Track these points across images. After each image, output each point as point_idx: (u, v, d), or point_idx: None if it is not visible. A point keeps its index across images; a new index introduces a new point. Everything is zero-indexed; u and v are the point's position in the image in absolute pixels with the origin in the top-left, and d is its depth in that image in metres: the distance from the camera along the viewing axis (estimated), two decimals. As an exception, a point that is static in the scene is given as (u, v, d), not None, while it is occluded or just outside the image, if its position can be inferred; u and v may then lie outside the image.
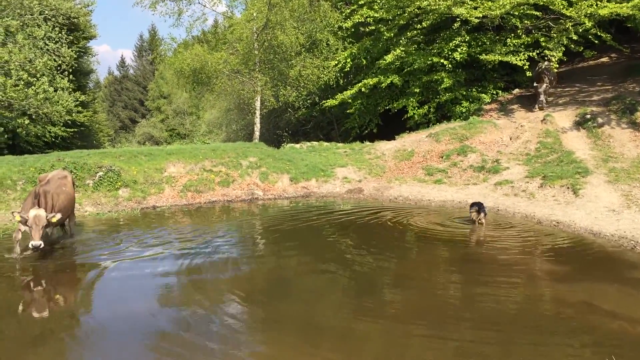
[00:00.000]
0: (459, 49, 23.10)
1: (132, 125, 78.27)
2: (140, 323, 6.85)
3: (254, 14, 25.40)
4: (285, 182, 19.17)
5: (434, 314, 7.11)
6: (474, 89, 24.55)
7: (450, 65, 23.27)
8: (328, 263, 9.83)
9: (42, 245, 9.12)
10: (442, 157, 19.81)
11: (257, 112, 26.91)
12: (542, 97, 21.94)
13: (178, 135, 66.83)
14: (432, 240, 11.58)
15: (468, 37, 23.27)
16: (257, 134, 26.96)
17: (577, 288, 8.25)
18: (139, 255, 10.27)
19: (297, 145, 24.12)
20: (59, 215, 9.73)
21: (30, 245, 9.06)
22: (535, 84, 22.39)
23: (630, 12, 19.32)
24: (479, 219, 12.71)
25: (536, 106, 22.01)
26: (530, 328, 6.61)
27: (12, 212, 9.63)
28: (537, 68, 22.50)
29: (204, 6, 32.02)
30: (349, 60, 26.94)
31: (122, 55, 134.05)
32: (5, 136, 22.58)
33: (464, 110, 23.90)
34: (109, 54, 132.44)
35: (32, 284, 8.59)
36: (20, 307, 7.47)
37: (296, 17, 25.52)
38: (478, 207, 12.77)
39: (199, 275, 9.03)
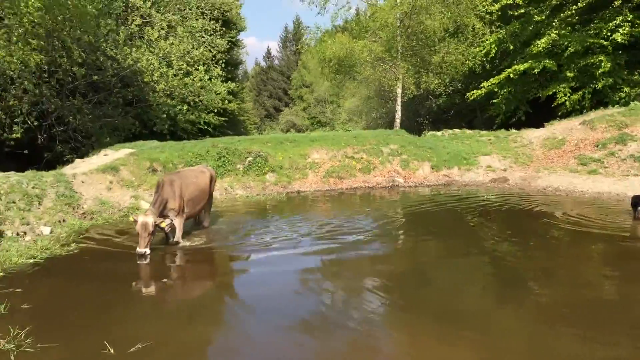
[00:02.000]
0: (620, 30, 21.21)
1: (276, 114, 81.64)
2: (281, 303, 7.11)
3: (398, 0, 25.23)
4: (427, 170, 18.96)
5: (584, 312, 6.60)
6: (636, 73, 22.43)
7: (609, 47, 21.46)
8: (469, 252, 9.57)
9: (148, 253, 8.79)
10: (597, 146, 18.40)
11: (399, 100, 26.81)
12: None
13: (319, 123, 68.51)
14: (585, 234, 10.78)
15: (631, 16, 21.28)
16: (397, 121, 26.88)
17: None
18: (282, 239, 10.73)
19: (439, 133, 23.71)
20: (168, 221, 9.33)
21: (136, 252, 8.78)
22: None
23: None
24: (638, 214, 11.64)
25: None
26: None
27: (129, 213, 9.81)
28: None
29: (349, -6, 32.50)
30: (494, 46, 25.88)
31: (267, 47, 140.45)
32: (168, 123, 24.63)
33: (623, 96, 21.97)
34: (256, 45, 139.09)
35: (175, 270, 9.25)
36: (169, 290, 8.04)
37: (442, 1, 24.93)
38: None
39: (339, 260, 9.19)
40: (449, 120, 34.39)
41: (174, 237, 9.87)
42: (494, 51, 25.75)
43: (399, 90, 26.50)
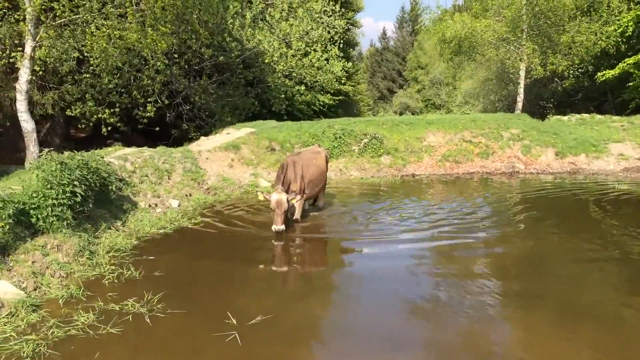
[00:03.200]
0: None
1: (390, 96, 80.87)
2: (392, 285, 7.06)
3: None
4: (550, 157, 17.95)
5: None
6: None
7: None
8: (593, 244, 8.90)
9: (284, 229, 9.07)
10: None
11: (522, 82, 25.49)
12: None
13: (433, 106, 67.06)
14: None
15: None
16: (519, 104, 25.60)
17: None
18: (396, 224, 10.64)
19: (565, 118, 22.32)
20: (298, 197, 9.60)
21: (273, 228, 9.05)
22: None
23: None
24: None
25: None
26: None
27: (257, 192, 10.11)
28: None
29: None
30: (632, 23, 23.80)
31: (383, 28, 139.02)
32: (285, 103, 25.19)
33: None
34: (371, 26, 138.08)
35: (289, 250, 9.44)
36: (288, 267, 8.24)
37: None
38: None
39: (455, 246, 8.94)
40: (575, 104, 32.23)
41: (293, 216, 10.11)
42: (631, 29, 23.67)
43: (522, 73, 25.17)
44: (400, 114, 60.73)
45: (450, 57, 29.75)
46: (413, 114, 58.08)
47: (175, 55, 19.33)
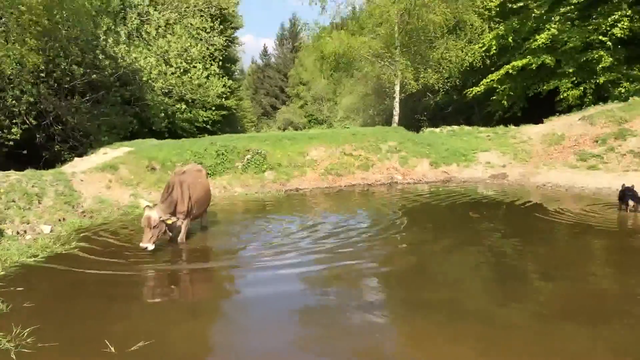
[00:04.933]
0: (619, 24, 21.21)
1: (273, 112, 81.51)
2: (281, 300, 7.06)
3: (397, -4, 25.21)
4: (425, 167, 18.93)
5: (587, 308, 6.58)
6: (635, 68, 22.43)
7: (609, 43, 21.44)
8: (470, 248, 9.51)
9: (150, 249, 8.72)
10: (596, 142, 18.36)
11: (397, 97, 26.77)
12: None
13: (316, 121, 68.45)
14: (585, 229, 10.78)
15: (630, 11, 21.27)
16: (396, 118, 26.84)
17: None
18: (282, 241, 10.68)
19: (437, 130, 23.66)
20: (174, 219, 9.26)
21: (140, 246, 8.74)
22: None
23: None
24: (632, 207, 11.79)
25: None
26: None
27: (143, 203, 9.44)
28: None
29: (349, -9, 32.36)
30: (494, 41, 25.84)
31: (264, 45, 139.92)
32: (166, 121, 24.57)
33: (623, 91, 21.95)
34: (252, 43, 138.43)
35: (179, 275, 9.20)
36: (168, 289, 8.00)
37: (441, -3, 24.91)
38: (631, 193, 11.89)
39: (339, 258, 9.10)
40: (447, 116, 34.35)
41: (178, 237, 9.82)
42: (493, 47, 25.73)
43: (397, 87, 26.45)
44: (284, 129, 61.29)
45: (330, 73, 30.65)
46: (297, 129, 58.84)
47: (43, 74, 18.21)
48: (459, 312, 6.40)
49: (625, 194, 12.06)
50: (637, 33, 21.41)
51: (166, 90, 24.24)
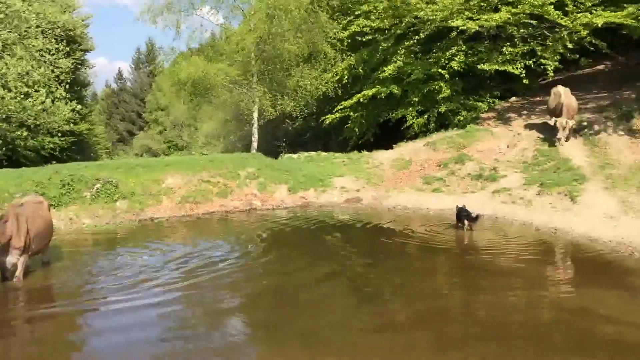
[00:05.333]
0: (456, 58, 23.16)
1: (130, 138, 78.36)
2: (140, 329, 6.77)
3: (252, 25, 25.52)
4: (284, 192, 19.17)
5: (436, 323, 7.09)
6: (471, 98, 24.60)
7: (447, 75, 23.33)
8: (328, 272, 9.81)
9: None
10: (440, 166, 19.82)
11: (255, 123, 26.96)
12: (560, 134, 18.55)
13: (176, 147, 66.83)
14: (431, 248, 11.61)
15: (465, 47, 23.34)
16: (255, 144, 26.98)
17: (575, 294, 8.28)
18: (136, 276, 10.24)
19: (295, 156, 24.12)
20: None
21: None
22: (554, 118, 18.88)
23: (625, 21, 19.50)
24: (467, 226, 12.97)
25: (555, 140, 18.77)
26: (530, 335, 6.62)
27: None
28: (555, 102, 19.16)
29: (202, 17, 32.09)
30: (346, 71, 26.98)
31: (119, 68, 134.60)
32: (4, 148, 22.58)
33: (461, 119, 23.93)
34: (107, 66, 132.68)
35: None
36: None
37: (295, 28, 25.59)
38: (466, 213, 13.06)
39: (198, 285, 8.94)
40: (306, 142, 35.19)
41: (14, 277, 8.98)
42: (346, 77, 26.85)
43: (256, 114, 26.67)
44: (142, 156, 59.09)
45: (190, 98, 30.14)
46: (155, 155, 56.97)
47: None
48: (318, 335, 6.55)
49: (461, 214, 13.17)
50: (472, 67, 23.51)
51: (4, 116, 22.27)
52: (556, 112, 18.73)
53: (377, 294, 8.41)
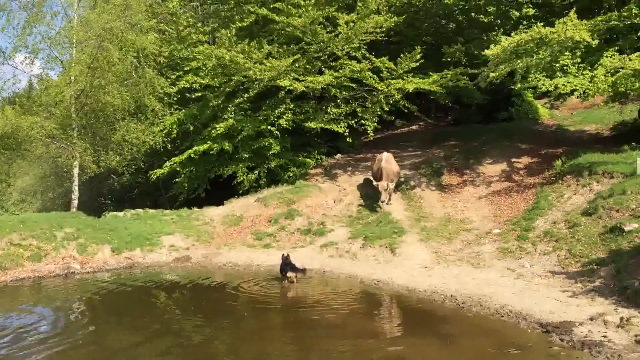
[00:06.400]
0: (284, 116, 23.93)
1: None
2: None
3: (73, 77, 24.12)
4: (107, 253, 17.95)
5: None
6: (300, 154, 25.46)
7: (277, 132, 23.96)
8: (152, 338, 9.30)
9: None
10: (270, 222, 20.02)
11: (76, 180, 25.09)
12: (383, 197, 18.94)
13: (-14, 206, 60.00)
14: (261, 305, 11.59)
15: (292, 105, 24.27)
16: (75, 202, 25.06)
17: (395, 344, 8.66)
18: None
19: (121, 214, 22.86)
20: None
21: None
22: (375, 183, 19.42)
23: (431, 88, 21.86)
24: (291, 278, 13.35)
25: (379, 203, 19.23)
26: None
27: None
28: (377, 168, 19.85)
29: (15, 68, 29.71)
30: (175, 126, 26.46)
31: None
32: None
33: (291, 174, 24.59)
34: None
35: None
36: None
37: (120, 82, 24.64)
38: (291, 267, 13.49)
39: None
40: (134, 199, 33.57)
41: None
42: (175, 131, 26.32)
43: (76, 170, 24.89)
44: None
45: (0, 152, 27.32)
46: (-42, 215, 50.59)
47: None
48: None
49: (283, 267, 13.45)
50: (299, 124, 24.45)
51: None
52: (377, 176, 19.52)
53: (209, 356, 8.17)
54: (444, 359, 7.82)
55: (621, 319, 8.81)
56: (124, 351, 8.73)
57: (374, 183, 19.53)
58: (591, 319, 9.08)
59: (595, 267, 11.54)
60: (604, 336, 8.28)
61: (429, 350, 8.28)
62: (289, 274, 13.27)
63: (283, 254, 13.94)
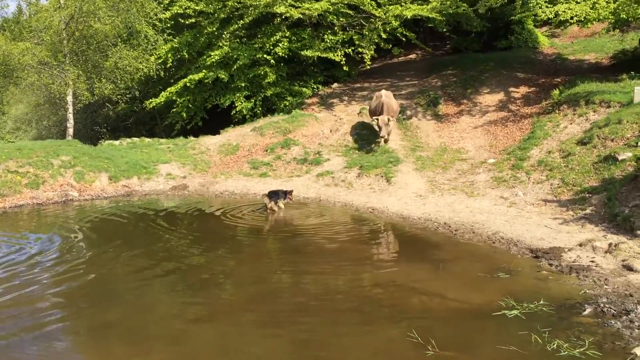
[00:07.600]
0: (280, 44, 23.48)
1: None
2: None
3: (62, 1, 23.44)
4: (104, 181, 18.07)
5: (266, 305, 7.27)
6: (296, 84, 25.19)
7: (273, 60, 23.59)
8: (154, 262, 9.49)
9: None
10: (266, 151, 20.08)
11: (70, 107, 24.90)
12: (383, 132, 18.25)
13: (-20, 133, 59.74)
14: (257, 233, 11.81)
15: (288, 33, 23.77)
16: (70, 130, 24.97)
17: (388, 269, 8.91)
18: None
19: (117, 142, 22.86)
20: None
21: None
22: (374, 117, 18.69)
23: (430, 14, 21.33)
24: (271, 207, 13.78)
25: (379, 139, 18.80)
26: (351, 307, 7.08)
27: None
28: (377, 102, 18.95)
29: (4, -10, 28.83)
30: (170, 54, 25.98)
31: None
32: None
33: (287, 104, 24.43)
34: None
35: None
36: None
37: (110, 6, 23.96)
38: (268, 195, 13.94)
39: (14, 287, 8.13)
40: (129, 128, 33.42)
41: None
42: (170, 60, 25.87)
43: (70, 98, 24.62)
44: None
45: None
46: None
47: None
48: (147, 331, 6.39)
49: (271, 195, 13.90)
50: (295, 53, 24.04)
51: None
52: (377, 111, 18.61)
53: (207, 282, 8.39)
54: (435, 282, 8.05)
55: (609, 244, 9.05)
56: (117, 276, 8.94)
57: (373, 118, 18.79)
58: (580, 245, 9.32)
59: (587, 195, 11.72)
60: (592, 261, 8.52)
61: (420, 273, 8.51)
62: (267, 203, 13.65)
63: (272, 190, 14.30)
